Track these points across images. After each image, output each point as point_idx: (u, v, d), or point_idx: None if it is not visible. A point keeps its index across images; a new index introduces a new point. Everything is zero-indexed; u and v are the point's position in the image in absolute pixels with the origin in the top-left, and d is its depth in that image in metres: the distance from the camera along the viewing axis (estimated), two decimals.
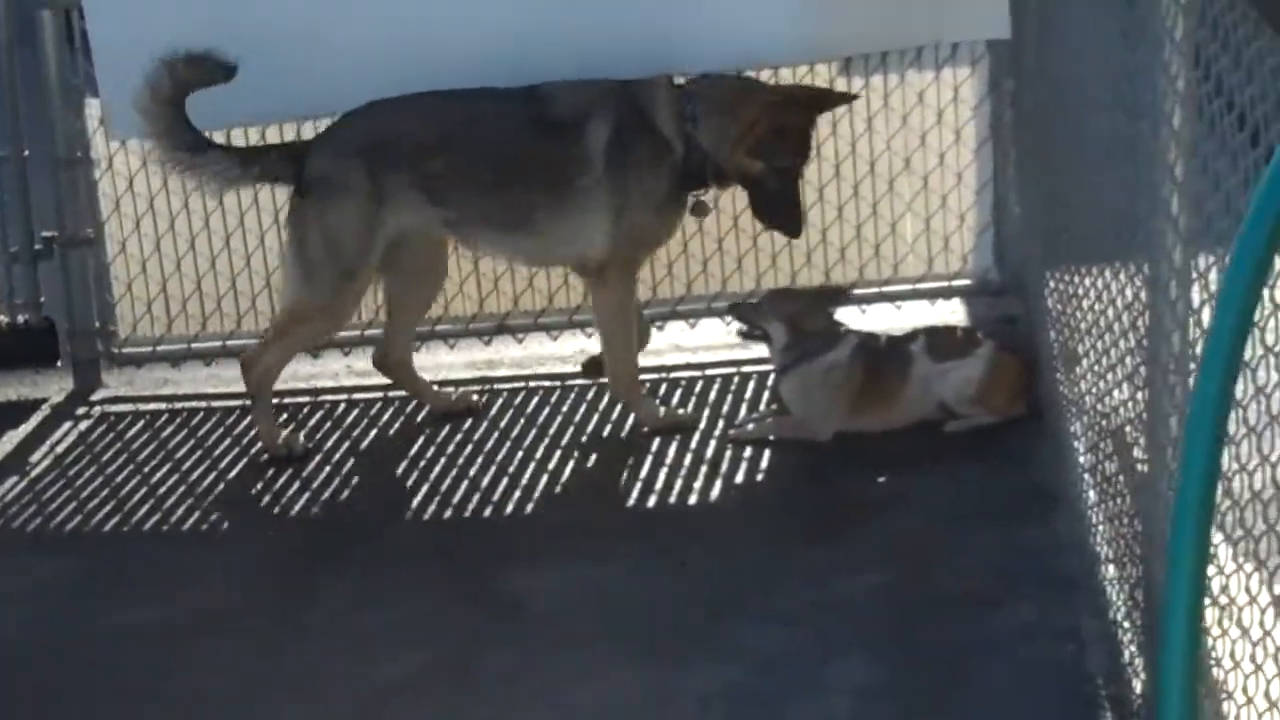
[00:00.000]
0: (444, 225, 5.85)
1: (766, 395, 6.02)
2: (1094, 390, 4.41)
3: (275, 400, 6.08)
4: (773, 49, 6.30)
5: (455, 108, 5.79)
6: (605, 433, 5.88)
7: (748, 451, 5.61)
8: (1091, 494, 4.45)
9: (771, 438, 5.69)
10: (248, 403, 6.03)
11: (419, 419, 6.15)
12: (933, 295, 6.65)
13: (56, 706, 4.38)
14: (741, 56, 6.31)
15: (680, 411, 5.98)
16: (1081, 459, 4.63)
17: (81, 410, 6.55)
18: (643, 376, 6.02)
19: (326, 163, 5.74)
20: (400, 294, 6.10)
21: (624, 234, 5.70)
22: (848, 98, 6.06)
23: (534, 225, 5.74)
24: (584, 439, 5.86)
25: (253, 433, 6.04)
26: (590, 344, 6.50)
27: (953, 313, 6.60)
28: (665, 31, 6.18)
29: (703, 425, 5.83)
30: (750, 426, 5.78)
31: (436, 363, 6.60)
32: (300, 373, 6.59)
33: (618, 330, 5.85)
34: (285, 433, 5.96)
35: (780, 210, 5.84)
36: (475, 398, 6.20)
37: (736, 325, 5.93)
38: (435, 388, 6.23)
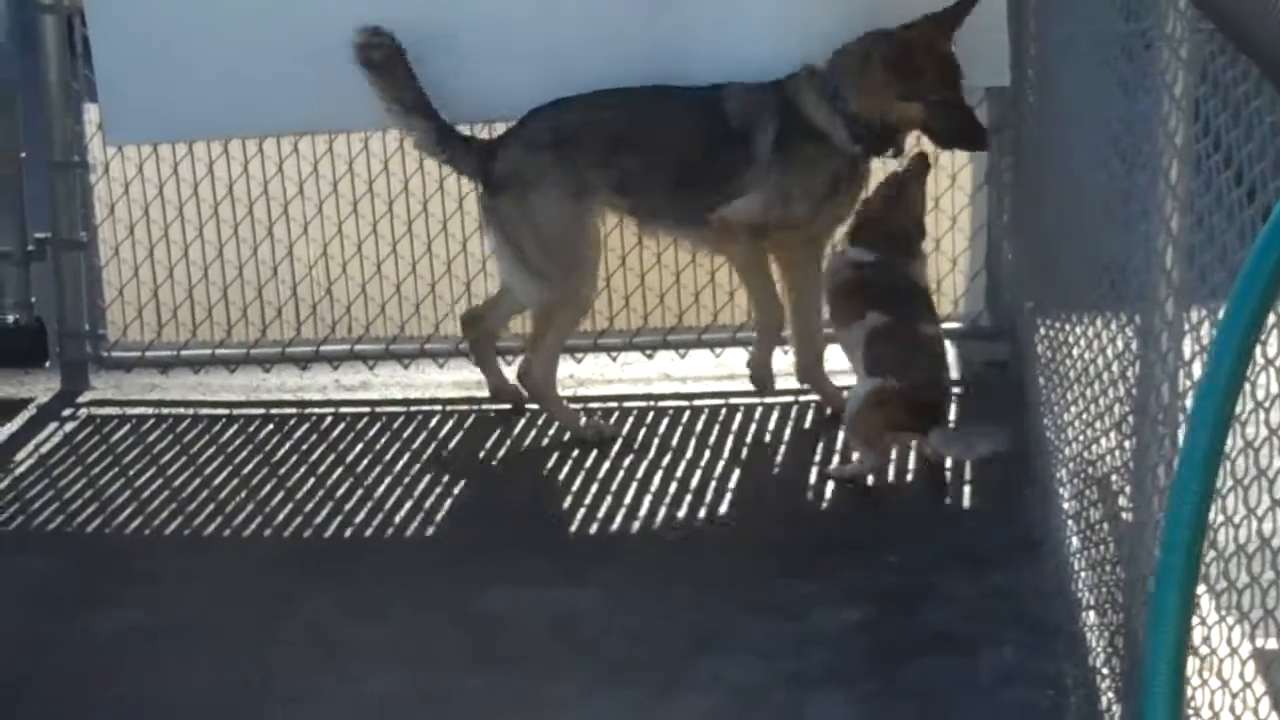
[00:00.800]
0: (629, 214, 6.07)
1: (754, 427, 6.04)
2: (1080, 438, 4.43)
3: (262, 410, 6.09)
4: None
5: (640, 104, 5.95)
6: (589, 458, 5.88)
7: (732, 482, 5.63)
8: (1074, 540, 4.48)
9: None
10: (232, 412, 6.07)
11: (406, 434, 6.16)
12: None
13: (34, 708, 4.39)
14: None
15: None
16: (1066, 505, 4.65)
17: (68, 412, 6.54)
18: (629, 405, 6.07)
19: (520, 157, 5.88)
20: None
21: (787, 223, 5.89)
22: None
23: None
24: (569, 462, 5.87)
25: (239, 441, 6.07)
26: (580, 368, 6.56)
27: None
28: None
29: (689, 454, 5.85)
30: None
31: (426, 380, 6.62)
32: (288, 385, 6.62)
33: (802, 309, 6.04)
34: (589, 420, 6.08)
35: (966, 135, 5.95)
36: (607, 423, 6.18)
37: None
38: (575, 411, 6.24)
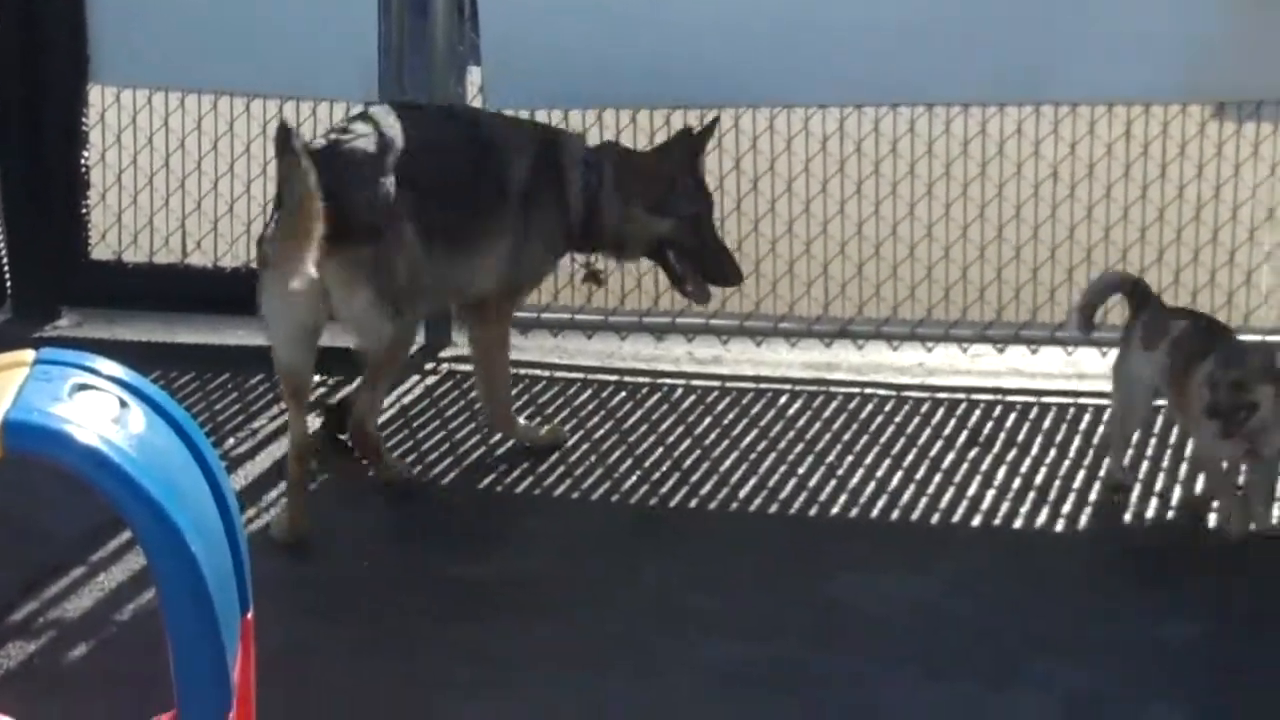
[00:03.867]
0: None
1: (1103, 429, 5.98)
2: None
3: (615, 377, 6.21)
4: (1145, 85, 6.29)
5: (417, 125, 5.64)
6: (935, 448, 5.88)
7: (1077, 481, 5.58)
8: None
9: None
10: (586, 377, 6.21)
11: (754, 411, 6.23)
12: None
13: (382, 653, 4.53)
14: (1111, 88, 6.32)
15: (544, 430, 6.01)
16: None
17: (430, 365, 6.74)
18: (977, 398, 6.07)
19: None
20: None
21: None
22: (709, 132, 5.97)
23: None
24: (914, 451, 5.87)
25: (591, 406, 6.23)
26: (930, 357, 6.57)
27: None
28: (1032, 61, 6.21)
29: (1034, 452, 5.82)
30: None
31: (777, 359, 6.67)
32: (642, 354, 6.72)
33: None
34: (398, 463, 5.78)
35: (716, 264, 5.85)
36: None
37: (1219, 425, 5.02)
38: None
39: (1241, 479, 5.25)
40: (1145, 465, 5.70)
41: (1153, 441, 5.85)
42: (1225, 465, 5.23)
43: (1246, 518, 5.16)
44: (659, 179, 5.78)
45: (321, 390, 6.36)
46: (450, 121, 5.85)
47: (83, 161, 7.29)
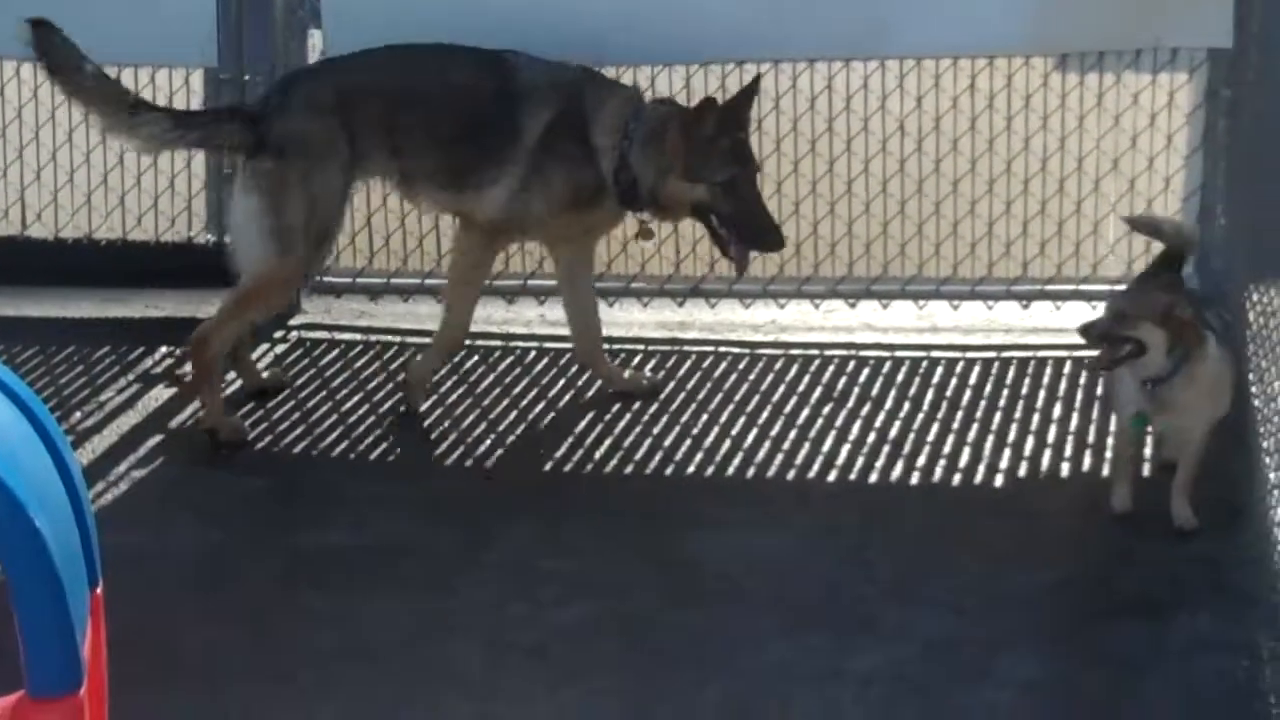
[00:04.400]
0: (400, 176, 5.83)
1: (954, 381, 6.02)
2: None
3: (467, 341, 6.18)
4: (990, 38, 6.33)
5: (421, 64, 5.86)
6: (790, 404, 5.89)
7: (930, 435, 5.61)
8: (1279, 511, 4.43)
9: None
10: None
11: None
12: None
13: (237, 622, 4.47)
14: (956, 44, 6.36)
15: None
16: (1271, 475, 4.60)
17: (279, 334, 6.67)
18: (830, 353, 6.09)
19: (300, 122, 5.69)
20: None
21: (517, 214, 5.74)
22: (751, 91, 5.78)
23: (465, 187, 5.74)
24: (768, 408, 5.88)
25: (444, 371, 6.15)
26: (782, 314, 6.59)
27: None
28: (879, 15, 6.23)
29: (888, 406, 5.85)
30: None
31: (629, 319, 6.66)
32: (494, 317, 6.68)
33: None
34: (232, 418, 5.77)
35: (755, 227, 5.62)
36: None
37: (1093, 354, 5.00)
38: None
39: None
40: (998, 417, 5.74)
41: (1005, 393, 5.90)
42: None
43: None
44: (691, 141, 5.56)
45: (171, 361, 6.31)
46: (475, 67, 5.84)
47: None
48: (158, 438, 5.70)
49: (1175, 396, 4.79)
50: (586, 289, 6.06)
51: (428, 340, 6.32)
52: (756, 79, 5.84)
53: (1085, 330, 4.85)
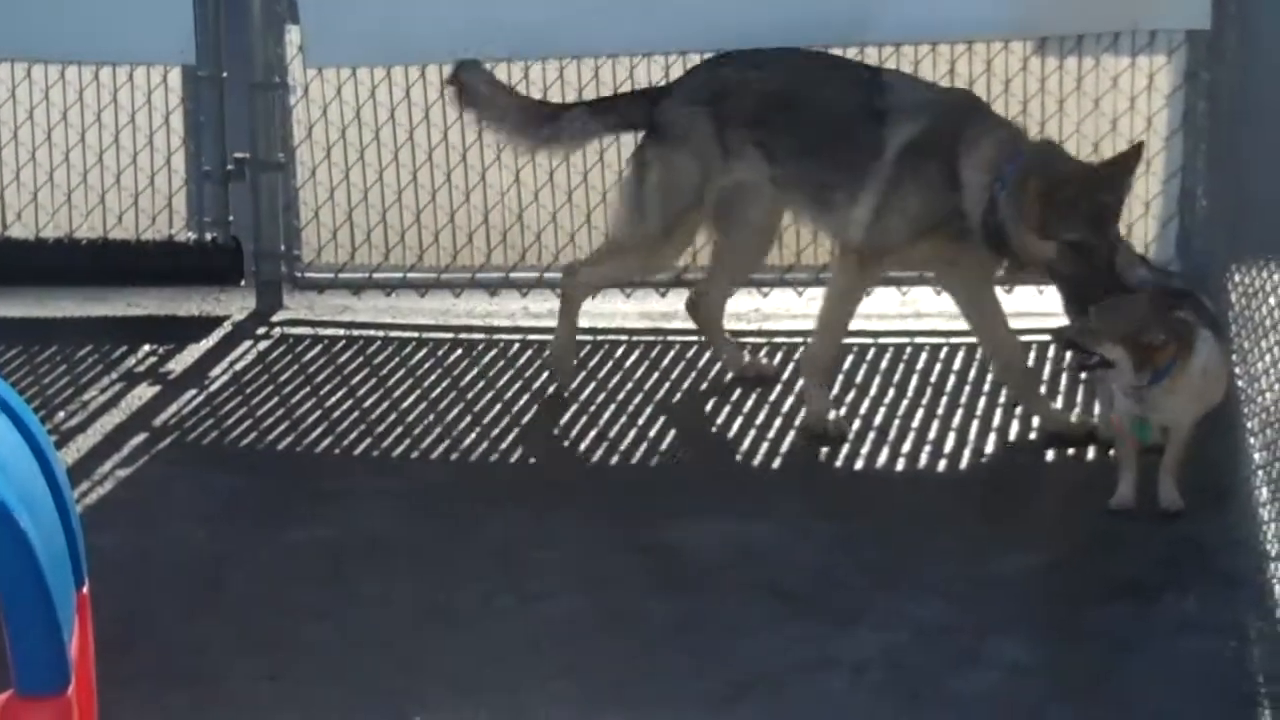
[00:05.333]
0: (771, 183, 5.78)
1: (939, 367, 6.03)
2: (1274, 388, 4.39)
3: (450, 335, 6.18)
4: (968, 23, 6.33)
5: (805, 71, 5.83)
6: (774, 392, 5.90)
7: (915, 422, 5.62)
8: (1264, 491, 4.44)
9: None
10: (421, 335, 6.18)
11: (592, 364, 6.21)
12: None
13: (224, 619, 4.46)
14: (935, 28, 6.36)
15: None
16: (1256, 456, 4.61)
17: (262, 330, 6.68)
18: None
19: (678, 109, 5.80)
20: (728, 248, 6.06)
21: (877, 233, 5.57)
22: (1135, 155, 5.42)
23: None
24: (752, 396, 5.89)
25: (428, 365, 6.16)
26: (765, 303, 6.59)
27: None
28: (859, 2, 6.23)
29: (872, 392, 5.86)
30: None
31: (613, 310, 6.65)
32: (477, 310, 6.68)
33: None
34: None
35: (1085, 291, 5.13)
36: (766, 362, 6.16)
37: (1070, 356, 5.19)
38: (739, 349, 6.19)
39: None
40: (982, 402, 5.75)
41: (989, 378, 5.90)
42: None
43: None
44: (1052, 194, 5.17)
45: (153, 359, 6.30)
46: (849, 78, 5.78)
47: None
48: (141, 436, 5.69)
49: (1159, 400, 4.79)
50: (993, 319, 5.69)
51: (411, 334, 6.34)
52: (1139, 146, 5.49)
53: (1056, 335, 4.97)
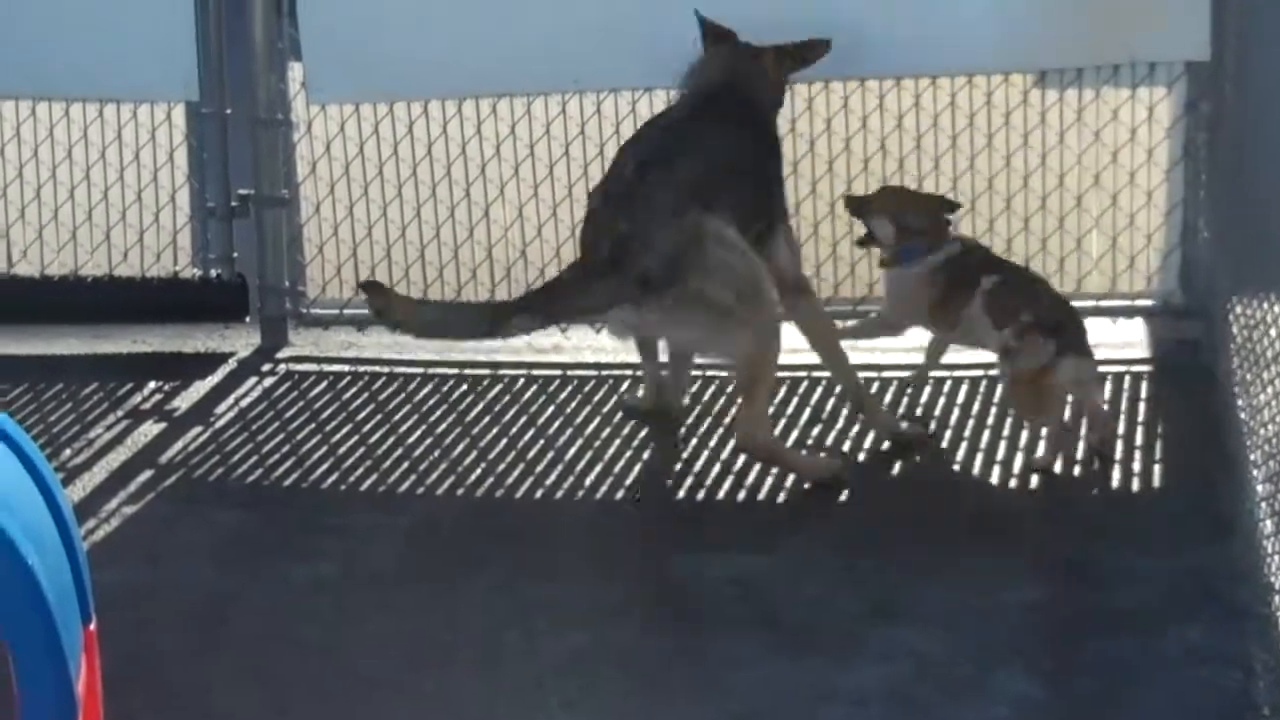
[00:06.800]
0: None
1: (943, 400, 6.05)
2: (1276, 420, 4.39)
3: (455, 370, 6.23)
4: (969, 56, 6.36)
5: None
6: (778, 426, 5.89)
7: (917, 455, 5.63)
8: (1268, 524, 4.44)
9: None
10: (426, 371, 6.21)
11: (597, 398, 6.24)
12: (1115, 314, 6.60)
13: (230, 656, 4.46)
14: (935, 64, 6.39)
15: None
16: (1260, 488, 4.61)
17: (267, 367, 6.71)
18: (818, 376, 6.11)
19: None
20: None
21: None
22: None
23: None
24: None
25: (433, 400, 6.21)
26: None
27: (1133, 332, 6.61)
28: (859, 36, 6.24)
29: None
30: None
31: (615, 345, 6.62)
32: (481, 346, 6.69)
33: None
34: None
35: None
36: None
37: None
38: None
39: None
40: (986, 434, 5.76)
41: (992, 412, 5.92)
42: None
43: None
44: None
45: (159, 396, 6.31)
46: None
47: None
48: (147, 473, 5.70)
49: (890, 284, 5.93)
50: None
51: (416, 370, 6.36)
52: None
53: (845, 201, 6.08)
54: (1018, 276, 5.69)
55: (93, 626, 3.29)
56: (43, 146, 7.22)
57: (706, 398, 6.19)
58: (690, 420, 6.01)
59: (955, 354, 6.04)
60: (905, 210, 5.83)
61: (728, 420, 5.94)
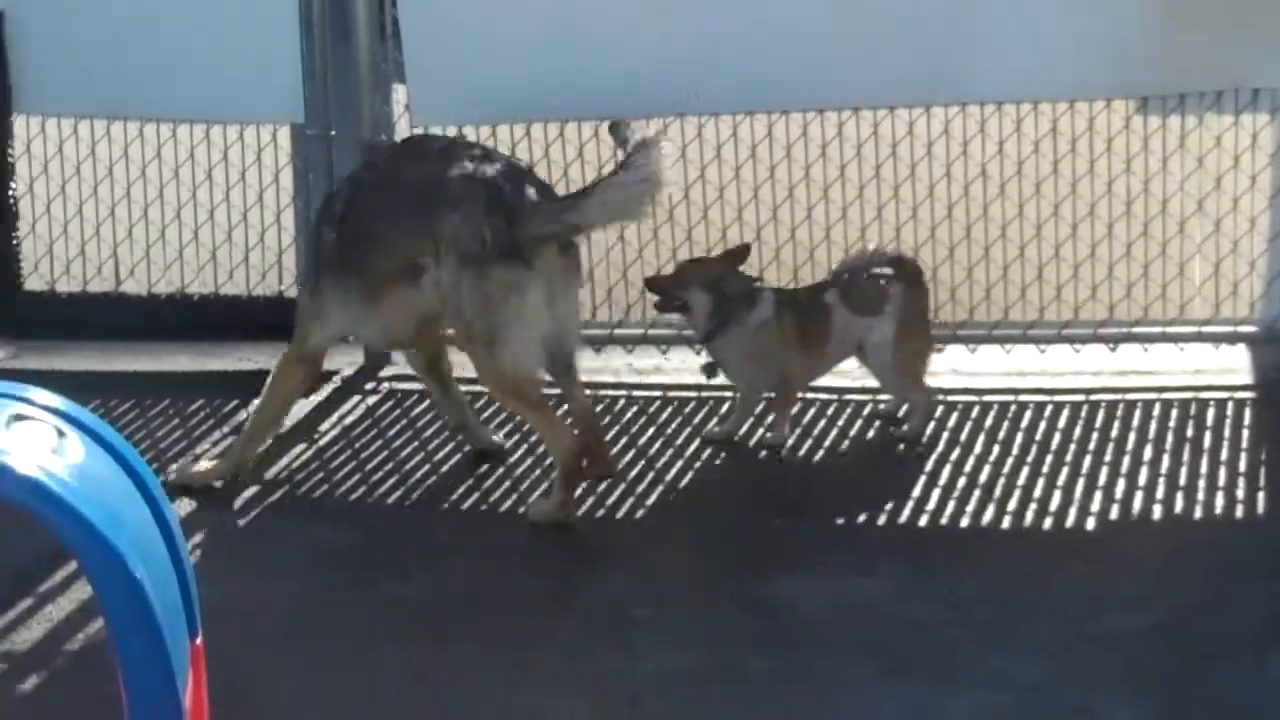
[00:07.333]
0: None
1: (1044, 425, 6.03)
2: None
3: (558, 390, 6.25)
4: (1072, 82, 6.33)
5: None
6: (880, 450, 5.90)
7: (1021, 479, 5.61)
8: None
9: (743, 425, 6.10)
10: None
11: (698, 420, 6.24)
12: (1217, 340, 6.57)
13: (329, 672, 4.49)
14: (1037, 89, 6.37)
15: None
16: None
17: (370, 385, 6.75)
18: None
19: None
20: None
21: None
22: None
23: None
24: (858, 455, 5.90)
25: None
26: None
27: (1236, 359, 6.57)
28: (961, 61, 6.24)
29: (977, 450, 5.85)
30: (718, 429, 6.11)
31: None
32: (583, 367, 6.69)
33: None
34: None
35: None
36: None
37: (652, 299, 6.10)
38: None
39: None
40: (1088, 460, 5.73)
41: (1094, 436, 5.89)
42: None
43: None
44: None
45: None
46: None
47: (10, 193, 7.24)
48: (252, 489, 5.75)
49: (719, 352, 6.06)
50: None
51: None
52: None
53: (648, 283, 6.13)
54: None
55: (199, 640, 3.32)
56: (150, 167, 7.30)
57: (805, 420, 6.18)
58: (790, 445, 6.00)
59: (1055, 379, 6.00)
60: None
61: (826, 444, 5.94)
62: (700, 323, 5.99)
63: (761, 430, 6.11)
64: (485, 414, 6.25)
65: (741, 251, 6.08)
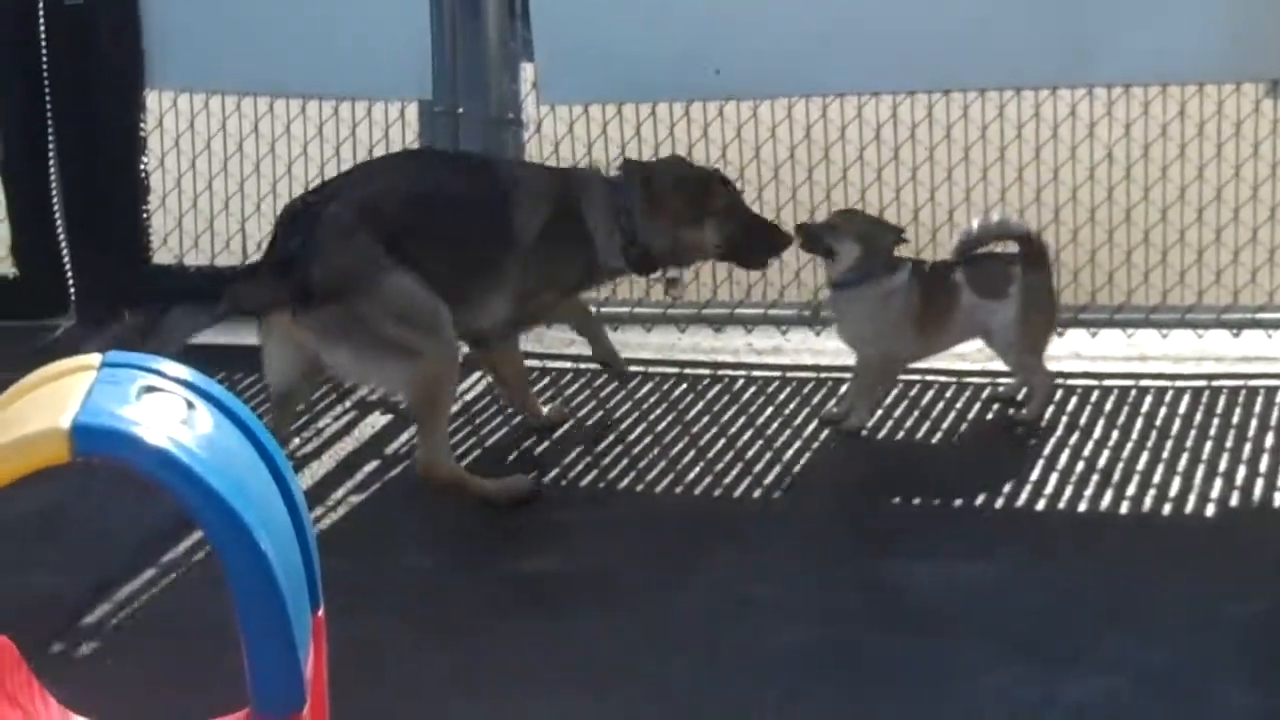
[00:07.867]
0: None
1: (1164, 410, 5.99)
2: None
3: (676, 369, 6.28)
4: (1196, 66, 6.28)
5: (420, 175, 5.73)
6: (997, 433, 5.88)
7: (1140, 464, 5.57)
8: None
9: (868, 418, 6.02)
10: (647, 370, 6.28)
11: (816, 400, 6.25)
12: None
13: (448, 647, 4.53)
14: (1162, 71, 6.32)
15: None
16: None
17: None
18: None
19: (342, 252, 5.35)
20: None
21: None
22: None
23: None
24: (977, 438, 5.89)
25: (653, 399, 6.28)
26: None
27: None
28: (1085, 43, 6.20)
29: (1096, 434, 5.82)
30: (836, 409, 6.08)
31: (836, 347, 6.63)
32: (702, 345, 6.74)
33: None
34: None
35: (766, 245, 5.93)
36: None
37: (799, 240, 5.97)
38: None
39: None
40: (1209, 446, 5.69)
41: (1215, 422, 5.84)
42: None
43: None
44: (680, 182, 5.78)
45: None
46: (465, 173, 5.82)
47: (141, 166, 7.34)
48: (374, 463, 5.81)
49: (842, 307, 6.03)
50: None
51: (637, 369, 6.41)
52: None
53: (799, 229, 5.99)
54: None
55: (321, 612, 3.36)
56: (279, 143, 7.37)
57: (925, 402, 6.18)
58: (909, 425, 6.00)
59: (1177, 364, 5.96)
60: None
61: (944, 427, 5.94)
62: (839, 270, 5.92)
63: (831, 404, 6.17)
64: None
65: (899, 230, 6.02)
